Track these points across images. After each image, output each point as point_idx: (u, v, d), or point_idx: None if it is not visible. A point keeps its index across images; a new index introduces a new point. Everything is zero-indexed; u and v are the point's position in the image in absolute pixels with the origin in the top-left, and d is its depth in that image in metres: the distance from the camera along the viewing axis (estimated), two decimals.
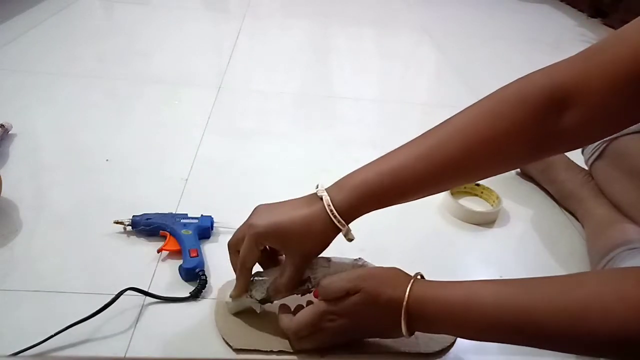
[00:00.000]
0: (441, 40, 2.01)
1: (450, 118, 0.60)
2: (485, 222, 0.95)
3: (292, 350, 0.63)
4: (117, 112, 1.24)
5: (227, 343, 0.64)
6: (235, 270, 0.64)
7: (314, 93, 1.47)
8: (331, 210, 0.57)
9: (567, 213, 1.00)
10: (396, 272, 0.59)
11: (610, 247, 0.79)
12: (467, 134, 0.57)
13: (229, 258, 0.65)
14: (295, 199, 0.62)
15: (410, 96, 1.55)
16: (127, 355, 0.63)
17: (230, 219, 0.82)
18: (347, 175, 0.60)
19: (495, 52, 1.96)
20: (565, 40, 2.27)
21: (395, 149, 0.60)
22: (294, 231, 0.59)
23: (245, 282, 0.64)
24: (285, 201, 0.62)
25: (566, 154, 1.02)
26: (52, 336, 0.62)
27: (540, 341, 0.50)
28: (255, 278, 0.65)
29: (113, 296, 0.67)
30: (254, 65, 1.62)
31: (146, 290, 0.71)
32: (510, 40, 2.14)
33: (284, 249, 0.61)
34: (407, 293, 0.54)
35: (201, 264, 0.75)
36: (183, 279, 0.75)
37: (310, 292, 0.63)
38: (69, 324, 0.63)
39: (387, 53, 1.89)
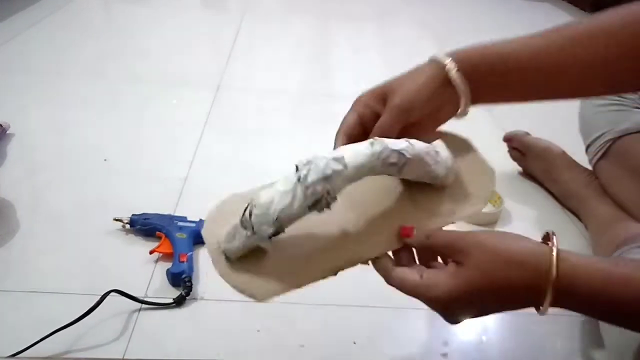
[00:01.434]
0: (442, 37, 2.00)
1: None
2: (487, 222, 0.94)
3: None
4: (115, 112, 1.23)
5: (248, 296, 0.49)
6: None
7: (314, 91, 1.46)
8: (435, 56, 0.49)
9: (569, 213, 0.99)
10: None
11: (617, 244, 0.78)
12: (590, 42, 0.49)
13: None
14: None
15: None
16: (126, 357, 0.62)
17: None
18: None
19: None
20: None
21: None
22: (397, 79, 0.50)
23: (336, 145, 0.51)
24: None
25: (569, 153, 1.01)
26: (44, 338, 0.61)
27: None
28: (254, 211, 0.47)
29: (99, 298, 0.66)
30: (253, 63, 1.61)
31: (130, 294, 0.69)
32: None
33: (387, 98, 0.50)
34: (553, 272, 0.41)
35: (189, 270, 0.73)
36: (170, 283, 0.73)
37: (328, 208, 0.46)
38: (64, 324, 0.62)
39: (388, 49, 1.88)
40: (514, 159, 1.10)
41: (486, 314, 0.44)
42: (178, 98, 1.32)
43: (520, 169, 1.11)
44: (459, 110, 0.51)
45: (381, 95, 0.50)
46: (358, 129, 0.51)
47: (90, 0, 2.00)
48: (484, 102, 0.51)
